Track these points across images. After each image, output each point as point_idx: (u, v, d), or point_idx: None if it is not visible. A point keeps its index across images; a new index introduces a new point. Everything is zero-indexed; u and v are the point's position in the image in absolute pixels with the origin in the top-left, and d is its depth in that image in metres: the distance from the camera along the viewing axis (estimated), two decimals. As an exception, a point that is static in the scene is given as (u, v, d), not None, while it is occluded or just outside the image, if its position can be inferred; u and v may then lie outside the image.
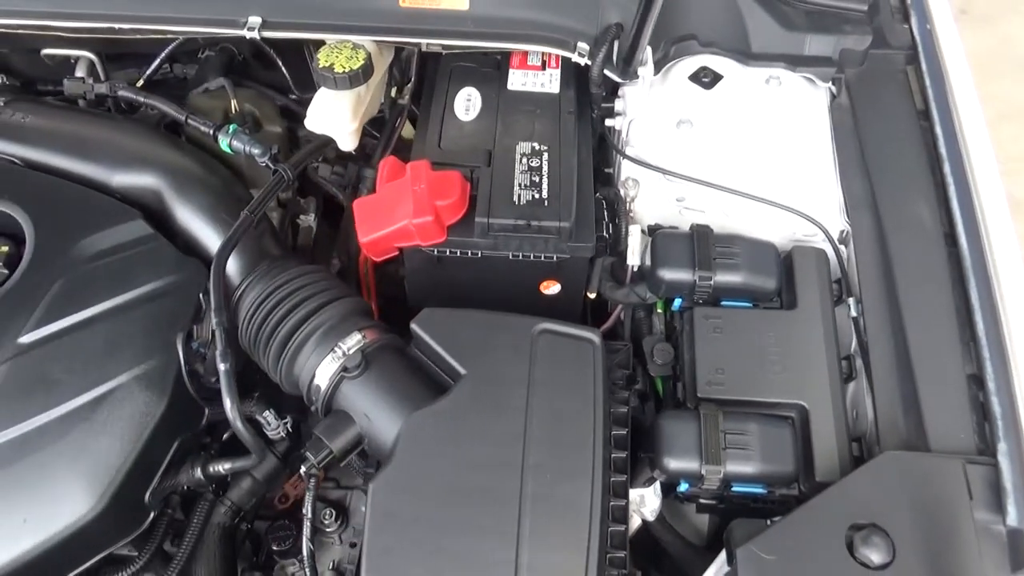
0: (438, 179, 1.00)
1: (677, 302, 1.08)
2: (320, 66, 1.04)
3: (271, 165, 1.03)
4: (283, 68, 1.36)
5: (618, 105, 1.24)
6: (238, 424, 0.88)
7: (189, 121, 1.08)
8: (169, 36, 1.27)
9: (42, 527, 0.86)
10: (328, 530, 1.19)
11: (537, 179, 1.05)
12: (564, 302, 1.11)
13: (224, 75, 1.45)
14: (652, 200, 1.15)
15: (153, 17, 1.18)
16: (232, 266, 1.02)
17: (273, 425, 1.06)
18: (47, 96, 1.32)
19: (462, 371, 0.92)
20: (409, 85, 1.27)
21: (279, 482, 1.15)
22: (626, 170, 1.17)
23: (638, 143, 1.18)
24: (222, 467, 0.96)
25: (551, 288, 1.09)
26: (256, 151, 1.03)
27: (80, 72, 1.52)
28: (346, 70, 1.04)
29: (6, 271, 0.99)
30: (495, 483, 0.86)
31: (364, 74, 1.06)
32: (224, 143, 1.05)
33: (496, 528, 0.84)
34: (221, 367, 0.87)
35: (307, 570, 0.93)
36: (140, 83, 1.31)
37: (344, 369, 0.92)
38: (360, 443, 0.92)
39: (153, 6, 1.18)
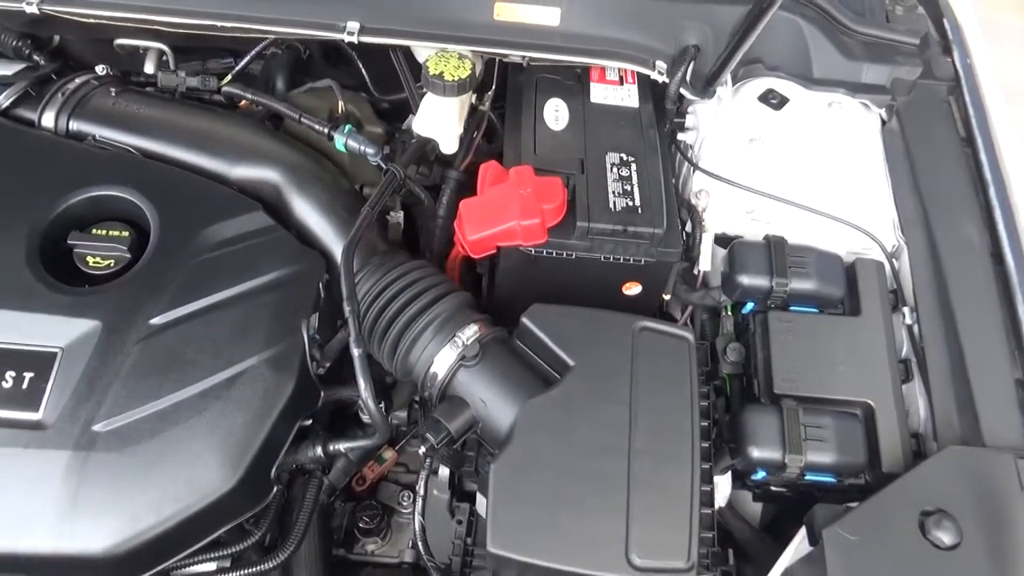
0: (542, 184, 1.08)
1: (748, 306, 1.18)
2: (431, 74, 1.11)
3: (383, 164, 1.10)
4: (363, 70, 1.43)
5: (689, 120, 1.33)
6: (371, 405, 0.94)
7: (303, 120, 1.14)
8: (259, 36, 1.32)
9: (183, 498, 0.91)
10: (405, 511, 1.26)
11: (629, 188, 1.13)
12: (642, 303, 1.20)
13: (290, 73, 1.52)
14: (721, 210, 1.24)
15: (257, 18, 1.24)
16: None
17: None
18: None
19: (570, 363, 0.99)
20: (490, 93, 1.34)
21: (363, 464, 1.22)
22: (697, 182, 1.26)
23: (709, 157, 1.27)
24: (342, 446, 1.02)
25: (632, 289, 1.17)
26: (370, 151, 1.09)
27: (150, 63, 1.57)
28: (455, 79, 1.11)
29: (128, 255, 1.04)
30: (605, 466, 0.94)
31: (471, 83, 1.13)
32: (340, 142, 1.11)
33: (607, 507, 0.92)
34: (355, 352, 0.93)
35: (420, 544, 0.99)
36: (228, 79, 1.36)
37: (463, 358, 0.99)
38: (473, 426, 0.99)
39: (258, 7, 1.23)
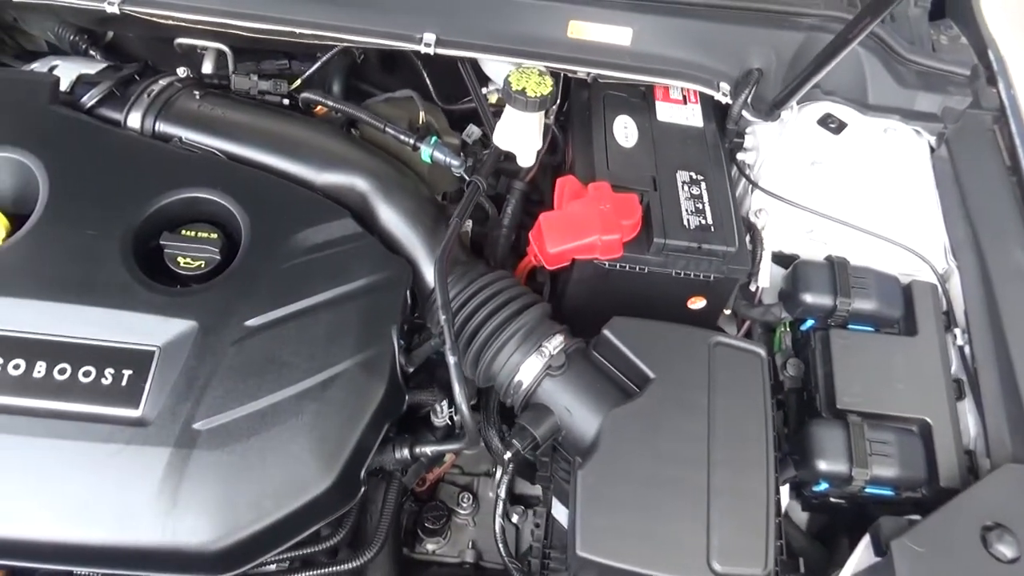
0: (620, 200, 1.12)
1: (807, 323, 1.22)
2: (514, 89, 1.15)
3: (467, 176, 1.13)
4: (427, 79, 1.45)
5: (749, 141, 1.37)
6: (465, 411, 0.97)
7: (387, 130, 1.17)
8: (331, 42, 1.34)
9: (282, 496, 0.94)
10: (464, 513, 1.30)
11: (700, 206, 1.17)
12: (704, 317, 1.24)
13: (345, 77, 1.54)
14: (778, 229, 1.28)
15: (336, 26, 1.26)
16: (428, 268, 1.11)
17: (442, 414, 1.17)
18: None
19: (651, 375, 1.03)
20: (554, 107, 1.37)
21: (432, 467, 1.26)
22: (756, 201, 1.31)
23: (768, 176, 1.31)
24: (428, 449, 1.05)
25: (697, 303, 1.21)
26: (455, 162, 1.13)
27: (208, 63, 1.58)
28: (537, 95, 1.14)
29: (218, 257, 1.06)
30: (686, 475, 0.98)
31: (552, 100, 1.17)
32: (426, 154, 1.14)
33: (688, 514, 0.96)
34: (451, 360, 0.96)
35: (501, 546, 1.03)
36: (298, 83, 1.38)
37: (549, 368, 1.02)
38: (556, 433, 1.03)
39: (338, 15, 1.26)
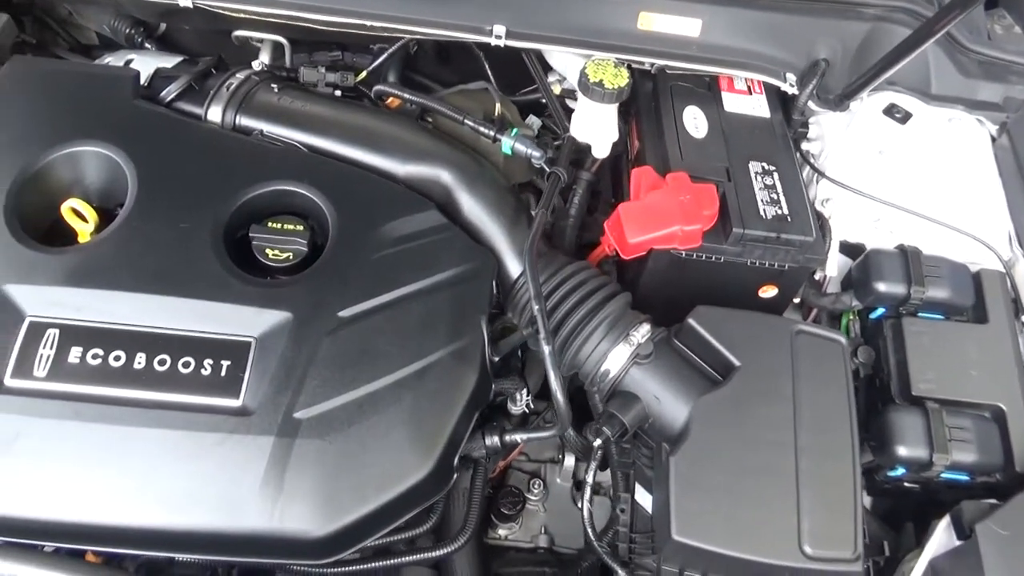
0: (700, 191, 1.13)
1: (878, 311, 1.24)
2: (591, 81, 1.15)
3: (546, 167, 1.14)
4: (488, 71, 1.46)
5: (813, 131, 1.38)
6: (560, 399, 0.99)
7: (466, 122, 1.18)
8: (395, 34, 1.35)
9: (383, 484, 0.96)
10: (534, 499, 1.32)
11: (775, 196, 1.18)
12: (774, 305, 1.25)
13: (400, 68, 1.55)
14: (845, 218, 1.30)
15: (406, 18, 1.27)
16: (510, 259, 1.13)
17: (520, 401, 1.19)
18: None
19: (736, 363, 1.05)
20: (619, 98, 1.38)
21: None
22: (822, 190, 1.32)
23: (835, 166, 1.32)
24: (519, 437, 1.07)
25: (768, 292, 1.23)
26: (536, 154, 1.14)
27: (264, 55, 1.59)
28: (615, 87, 1.15)
29: (306, 249, 1.08)
30: (774, 460, 1.00)
31: (628, 91, 1.18)
32: (507, 145, 1.15)
33: (778, 499, 0.98)
34: (546, 348, 0.98)
35: (590, 530, 1.04)
36: (363, 75, 1.39)
37: (637, 356, 1.04)
38: (644, 420, 1.05)
39: (408, 7, 1.27)
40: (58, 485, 0.93)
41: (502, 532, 1.30)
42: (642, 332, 1.05)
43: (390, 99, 1.31)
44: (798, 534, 0.96)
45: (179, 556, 1.01)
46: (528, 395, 1.18)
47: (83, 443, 0.94)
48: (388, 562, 1.06)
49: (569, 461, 1.32)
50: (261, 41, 1.62)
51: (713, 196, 1.13)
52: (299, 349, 0.99)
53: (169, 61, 1.29)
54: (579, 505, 1.31)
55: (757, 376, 1.04)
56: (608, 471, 1.28)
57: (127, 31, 1.59)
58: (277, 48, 1.61)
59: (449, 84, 1.53)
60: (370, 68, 1.39)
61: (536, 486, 1.31)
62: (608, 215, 1.43)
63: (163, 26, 1.64)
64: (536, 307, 1.00)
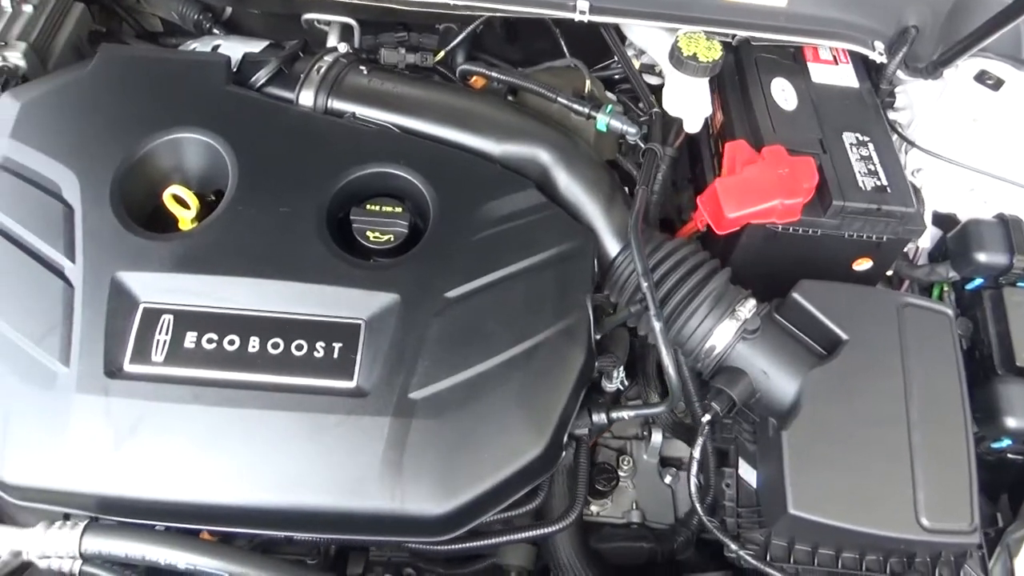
0: (798, 164, 1.12)
1: (975, 282, 1.22)
2: (684, 55, 1.14)
3: (641, 144, 1.14)
4: (564, 46, 1.45)
5: (900, 100, 1.36)
6: (672, 374, 0.98)
7: (559, 99, 1.17)
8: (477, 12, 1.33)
9: (499, 463, 0.96)
10: (624, 475, 1.32)
11: (872, 167, 1.17)
12: (868, 278, 1.24)
13: (467, 47, 1.54)
14: (938, 188, 1.28)
15: (492, -4, 1.26)
16: (608, 237, 1.12)
17: (616, 378, 1.19)
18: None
19: (844, 336, 1.04)
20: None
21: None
22: (912, 160, 1.30)
23: (926, 135, 1.30)
24: (626, 414, 1.07)
25: (863, 265, 1.21)
26: (631, 130, 1.13)
27: (332, 37, 1.59)
28: (708, 60, 1.14)
29: (406, 231, 1.08)
30: (887, 434, 1.00)
31: (721, 64, 1.16)
32: (602, 122, 1.14)
33: (893, 472, 0.98)
34: (657, 324, 0.98)
35: (698, 505, 1.03)
36: (441, 55, 1.38)
37: (744, 331, 1.04)
38: (752, 395, 1.04)
39: (491, -14, 1.25)
40: (180, 467, 0.94)
41: (594, 508, 1.30)
42: (748, 307, 1.05)
43: (474, 78, 1.30)
44: (915, 507, 0.96)
45: (296, 535, 1.03)
46: (623, 372, 1.18)
47: (203, 426, 0.95)
48: (502, 539, 1.07)
49: (656, 438, 1.32)
50: (328, 24, 1.63)
51: (812, 169, 1.12)
52: (409, 330, 1.00)
53: (255, 46, 1.28)
54: (666, 481, 1.33)
55: (865, 349, 1.04)
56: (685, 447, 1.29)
57: (195, 17, 1.60)
58: (345, 30, 1.62)
59: (515, 63, 1.52)
60: (450, 46, 1.37)
61: (626, 463, 1.32)
62: (686, 191, 1.43)
63: (228, 10, 1.64)
64: (645, 284, 0.99)
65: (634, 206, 1.06)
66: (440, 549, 1.05)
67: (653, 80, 1.38)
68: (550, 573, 1.20)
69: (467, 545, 1.05)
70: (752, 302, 1.06)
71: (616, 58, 1.36)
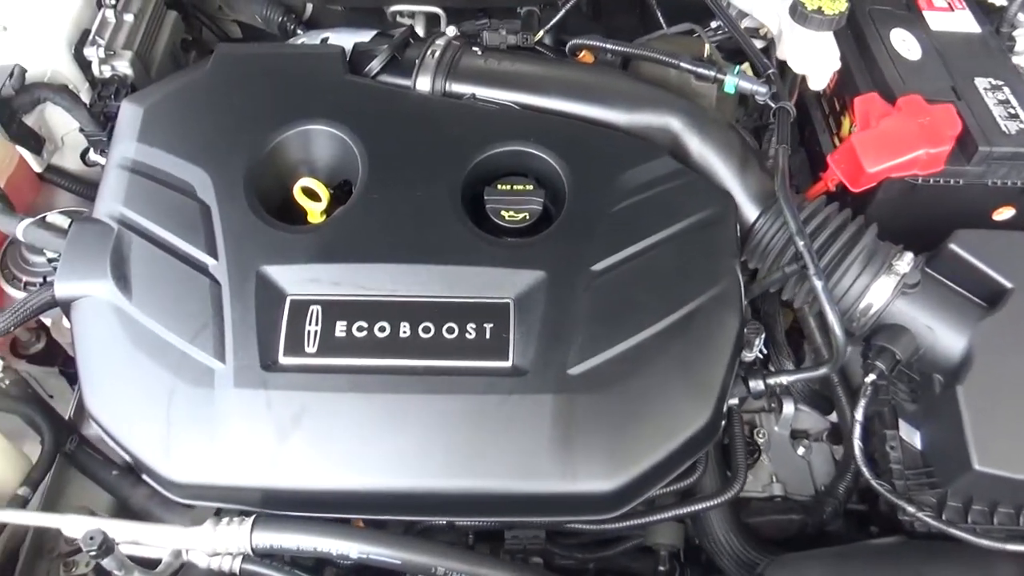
0: (939, 112, 1.08)
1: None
2: (809, 9, 1.11)
3: (771, 103, 1.11)
4: (660, 18, 1.42)
5: (1021, 43, 1.31)
6: (838, 333, 0.95)
7: (682, 65, 1.14)
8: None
9: (667, 435, 0.94)
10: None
11: (1013, 111, 1.13)
12: (1008, 228, 1.19)
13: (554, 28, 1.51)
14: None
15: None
16: (745, 201, 1.09)
17: (756, 346, 1.16)
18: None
19: (1009, 285, 1.00)
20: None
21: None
22: (1039, 105, 1.25)
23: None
24: (784, 379, 1.04)
25: (1004, 214, 1.17)
26: (761, 90, 1.10)
27: (419, 28, 1.58)
28: (835, 12, 1.11)
29: (540, 208, 1.06)
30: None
31: (846, 16, 1.13)
32: (731, 84, 1.12)
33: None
34: (819, 284, 0.95)
35: (864, 468, 1.00)
36: (541, 34, 1.36)
37: (904, 286, 1.00)
38: (916, 352, 1.01)
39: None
40: (345, 456, 0.93)
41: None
42: (906, 260, 1.01)
43: (583, 53, 1.28)
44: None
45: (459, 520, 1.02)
46: (763, 339, 1.15)
47: (365, 413, 0.94)
48: (667, 513, 1.04)
49: (788, 409, 1.29)
50: (412, 15, 1.62)
51: (953, 116, 1.08)
52: (559, 306, 0.98)
53: (363, 37, 1.28)
54: (799, 453, 1.29)
55: (1033, 298, 1.00)
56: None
57: (279, 19, 1.60)
58: (430, 20, 1.61)
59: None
60: (548, 27, 1.36)
61: (761, 435, 1.29)
62: (797, 155, 1.40)
63: (309, 8, 1.64)
64: (802, 243, 0.96)
65: (778, 165, 1.03)
66: (605, 527, 1.03)
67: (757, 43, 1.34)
68: (701, 551, 1.17)
69: (633, 523, 1.03)
70: (909, 255, 1.02)
71: (719, 22, 1.33)
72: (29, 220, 1.09)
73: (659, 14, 1.42)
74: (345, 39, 1.27)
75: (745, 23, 1.38)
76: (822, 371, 1.03)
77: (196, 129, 1.11)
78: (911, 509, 0.97)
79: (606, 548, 1.22)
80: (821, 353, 1.19)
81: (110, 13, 1.32)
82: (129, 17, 1.35)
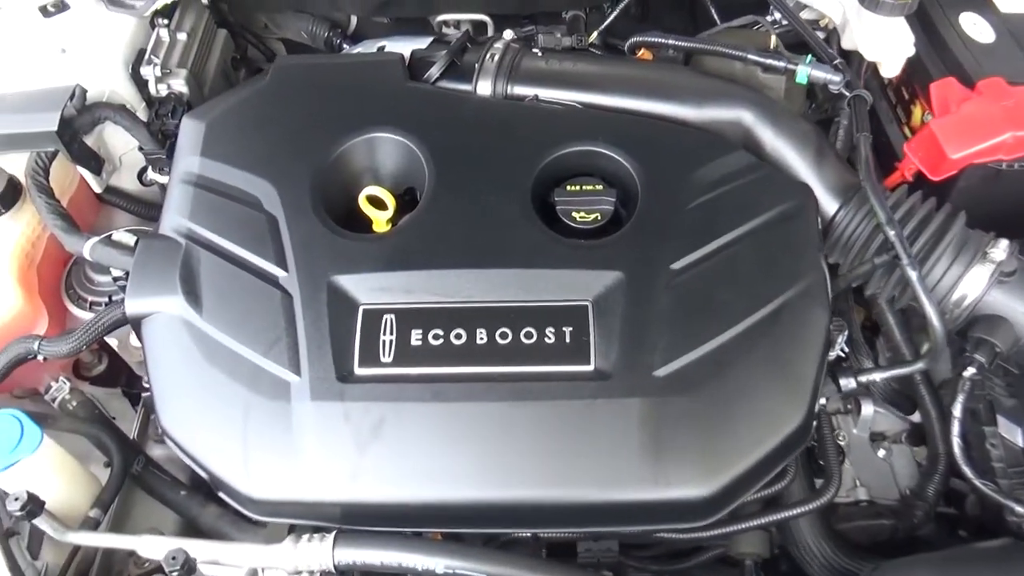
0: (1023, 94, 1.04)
1: None
2: (887, -7, 1.08)
3: (845, 92, 1.08)
4: (714, 12, 1.40)
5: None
6: (937, 326, 0.92)
7: (750, 57, 1.12)
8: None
9: (761, 437, 0.90)
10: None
11: (1097, 90, 1.08)
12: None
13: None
14: None
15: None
16: (822, 193, 1.06)
17: (838, 344, 1.11)
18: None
19: (1113, 269, 0.96)
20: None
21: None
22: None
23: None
24: (878, 376, 1.00)
25: (1092, 198, 1.13)
26: (835, 78, 1.07)
27: (465, 35, 1.57)
28: (906, -1, 1.08)
29: (612, 208, 1.03)
30: None
31: (918, 1, 1.10)
32: (803, 74, 1.09)
33: None
34: (912, 274, 0.91)
35: (965, 467, 0.96)
36: (595, 36, 1.35)
37: (1001, 274, 0.96)
38: (1016, 343, 0.96)
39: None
40: (429, 468, 0.90)
41: (816, 486, 1.23)
42: (1002, 248, 0.97)
43: (642, 51, 1.25)
44: None
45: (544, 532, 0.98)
46: (846, 336, 1.11)
47: (447, 423, 0.91)
48: (761, 520, 1.00)
49: (867, 410, 1.24)
50: (458, 24, 1.61)
51: (1038, 98, 1.04)
52: (639, 307, 0.95)
53: (418, 44, 1.26)
54: (879, 455, 1.25)
55: None
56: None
57: (325, 34, 1.60)
58: (476, 29, 1.60)
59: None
60: (602, 28, 1.34)
61: (841, 438, 1.24)
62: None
63: (354, 22, 1.64)
64: (892, 232, 0.93)
65: (860, 153, 1.00)
66: (693, 537, 0.99)
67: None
68: (787, 559, 1.12)
69: (724, 530, 0.99)
70: (1005, 242, 0.98)
71: (775, 16, 1.30)
72: (95, 239, 1.08)
73: (713, 11, 1.40)
74: (402, 46, 1.26)
75: (803, 15, 1.36)
76: (918, 366, 0.99)
77: (259, 141, 1.10)
78: (1020, 509, 0.92)
79: (682, 560, 1.18)
80: (900, 351, 1.14)
81: (164, 32, 1.32)
82: (182, 36, 1.35)
